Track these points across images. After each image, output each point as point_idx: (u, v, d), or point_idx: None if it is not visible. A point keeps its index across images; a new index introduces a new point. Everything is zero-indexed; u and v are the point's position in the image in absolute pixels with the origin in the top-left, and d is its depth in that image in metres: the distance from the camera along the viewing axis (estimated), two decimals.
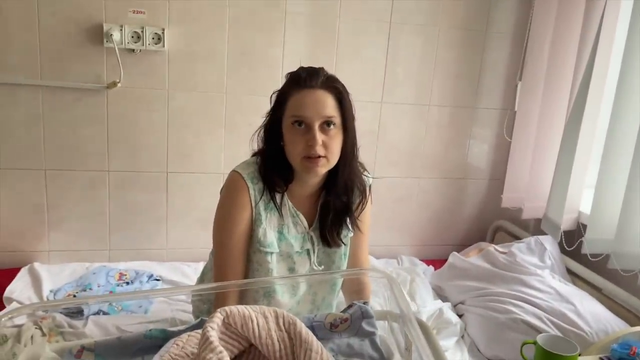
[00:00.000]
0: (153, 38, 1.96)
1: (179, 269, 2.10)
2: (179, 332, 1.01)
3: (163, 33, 1.96)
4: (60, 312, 1.73)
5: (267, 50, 2.10)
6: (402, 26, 2.20)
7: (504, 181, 2.44)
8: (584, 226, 1.91)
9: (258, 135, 1.38)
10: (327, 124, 1.26)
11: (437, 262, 2.39)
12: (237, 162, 2.15)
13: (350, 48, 2.18)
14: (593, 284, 1.85)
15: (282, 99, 1.31)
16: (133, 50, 1.97)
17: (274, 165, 1.34)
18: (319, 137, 1.25)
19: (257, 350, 0.98)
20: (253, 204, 1.33)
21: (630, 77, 1.63)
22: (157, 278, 1.99)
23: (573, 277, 1.94)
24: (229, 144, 2.16)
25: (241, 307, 0.96)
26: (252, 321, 0.95)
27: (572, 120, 1.84)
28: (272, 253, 1.35)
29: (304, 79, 1.28)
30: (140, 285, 1.92)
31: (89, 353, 1.00)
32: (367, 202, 1.43)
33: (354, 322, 1.05)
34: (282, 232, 1.38)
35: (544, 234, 2.07)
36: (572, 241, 1.95)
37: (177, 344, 0.96)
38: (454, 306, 1.92)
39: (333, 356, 0.96)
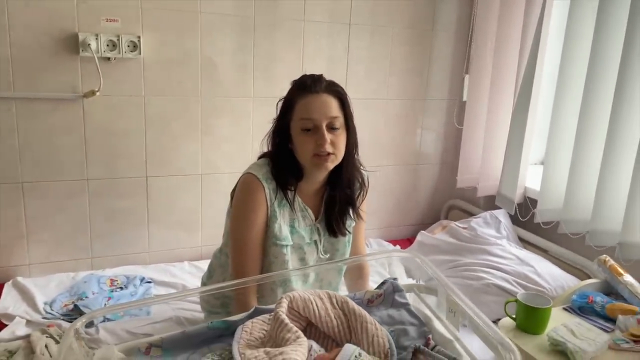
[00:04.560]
0: (129, 46, 1.99)
1: (166, 270, 2.16)
2: (240, 321, 1.12)
3: (139, 40, 1.99)
4: (63, 319, 1.76)
5: (238, 54, 2.19)
6: (361, 27, 2.38)
7: (453, 164, 2.72)
8: (531, 199, 2.21)
9: (268, 139, 1.50)
10: (332, 124, 1.41)
11: (400, 242, 2.62)
12: (214, 163, 2.27)
13: (315, 49, 2.32)
14: (542, 248, 2.15)
15: (289, 104, 1.45)
16: (109, 58, 1.98)
17: (285, 165, 1.47)
18: (327, 136, 1.40)
19: (313, 328, 1.12)
20: (269, 202, 1.45)
21: (570, 63, 1.91)
22: (149, 280, 2.04)
23: (524, 244, 2.23)
24: (206, 146, 2.23)
25: (301, 292, 1.10)
26: (311, 303, 1.09)
27: (519, 108, 2.11)
28: (287, 245, 1.48)
29: (309, 85, 1.42)
30: (135, 288, 1.96)
31: (157, 349, 1.09)
32: (366, 192, 1.60)
33: (387, 296, 1.22)
34: (293, 225, 1.51)
35: (494, 208, 2.36)
36: (520, 213, 2.24)
37: (245, 331, 1.08)
38: (425, 281, 2.13)
39: None
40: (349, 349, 0.98)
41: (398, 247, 2.52)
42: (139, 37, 1.99)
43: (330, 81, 1.46)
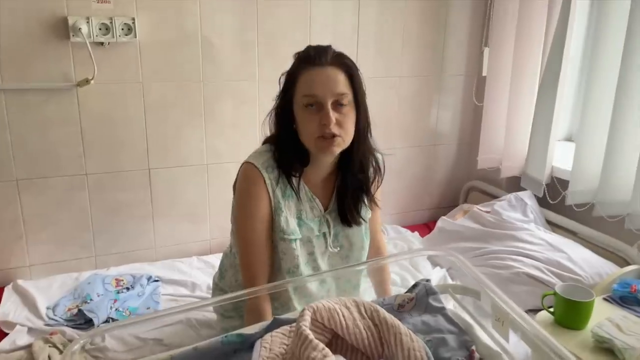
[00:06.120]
0: (123, 29, 1.84)
1: (173, 267, 2.04)
2: (257, 335, 1.01)
3: (133, 23, 1.84)
4: (67, 325, 1.65)
5: (241, 33, 2.04)
6: (370, 1, 2.21)
7: (472, 144, 2.57)
8: (560, 180, 2.06)
9: (269, 120, 1.36)
10: (339, 101, 1.25)
11: (418, 227, 2.50)
12: (220, 152, 2.14)
13: (323, 25, 2.16)
14: (573, 232, 2.00)
15: (291, 79, 1.29)
16: (102, 43, 1.84)
17: (289, 149, 1.33)
18: (333, 115, 1.24)
19: (339, 340, 0.99)
20: (271, 193, 1.32)
21: (605, 28, 1.73)
22: (156, 279, 1.93)
23: (553, 227, 2.09)
24: (210, 133, 2.10)
25: (325, 302, 0.97)
26: (337, 313, 0.96)
27: (546, 80, 1.95)
28: (295, 240, 1.35)
29: (312, 57, 1.26)
30: (142, 288, 1.84)
31: None
32: (382, 178, 1.46)
33: (419, 299, 1.09)
34: (300, 217, 1.38)
35: (517, 190, 2.21)
36: (548, 195, 2.09)
37: (264, 347, 0.96)
38: (447, 270, 1.99)
39: None
40: None
41: (417, 233, 2.38)
42: (133, 19, 1.84)
43: (338, 53, 1.30)
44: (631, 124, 1.68)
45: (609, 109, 1.72)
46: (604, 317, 1.40)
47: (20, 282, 1.88)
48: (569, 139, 2.34)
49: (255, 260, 1.35)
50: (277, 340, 0.98)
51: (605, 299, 1.57)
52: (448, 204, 2.66)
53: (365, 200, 1.44)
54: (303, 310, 0.95)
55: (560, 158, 2.09)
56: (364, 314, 0.98)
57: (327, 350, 0.88)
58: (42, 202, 1.92)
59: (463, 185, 2.63)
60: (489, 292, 0.92)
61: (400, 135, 2.46)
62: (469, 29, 2.42)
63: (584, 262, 1.77)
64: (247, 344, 1.00)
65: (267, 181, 1.31)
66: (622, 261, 1.80)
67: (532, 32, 2.03)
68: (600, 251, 1.86)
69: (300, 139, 1.31)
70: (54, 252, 1.99)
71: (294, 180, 1.35)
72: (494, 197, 2.34)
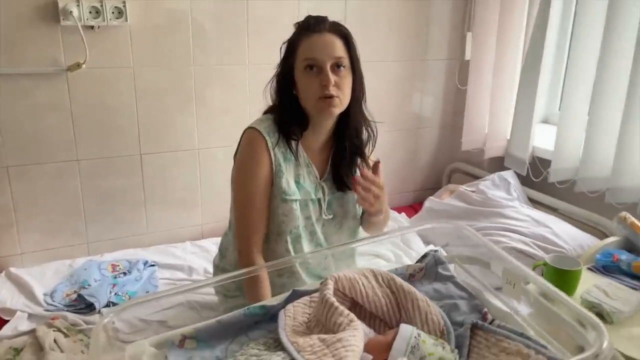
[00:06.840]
0: (113, 12, 1.82)
1: (167, 252, 2.05)
2: (278, 306, 1.04)
3: (124, 6, 1.83)
4: (67, 311, 1.65)
5: (231, 18, 2.05)
6: None
7: (454, 127, 2.64)
8: (540, 159, 2.15)
9: (270, 87, 1.43)
10: (337, 65, 1.34)
11: (405, 209, 2.56)
12: (211, 137, 2.15)
13: (311, 11, 2.17)
14: (554, 208, 2.10)
15: (292, 46, 1.38)
16: (92, 27, 1.82)
17: (289, 113, 1.40)
18: (332, 77, 1.32)
19: (357, 308, 1.04)
20: (272, 156, 1.38)
21: (586, 10, 1.81)
22: (153, 264, 1.94)
23: (535, 205, 2.19)
24: (201, 118, 2.10)
25: (345, 272, 1.02)
26: (357, 283, 1.01)
27: (529, 63, 2.03)
28: (296, 200, 1.41)
29: (312, 25, 1.36)
30: (139, 273, 1.85)
31: (191, 340, 1.00)
32: (376, 141, 1.53)
33: (428, 269, 1.15)
34: (298, 181, 1.44)
35: (499, 170, 2.30)
36: (530, 174, 2.19)
37: (288, 316, 1.00)
38: (442, 247, 2.06)
39: None
40: (407, 330, 0.91)
41: (404, 214, 2.45)
42: (124, 2, 1.83)
43: (335, 21, 1.39)
44: (611, 102, 1.77)
45: (589, 87, 1.81)
46: (589, 284, 1.49)
47: (12, 269, 1.86)
48: (545, 121, 2.44)
49: (252, 216, 1.40)
50: (299, 310, 1.02)
51: (589, 269, 1.66)
52: (431, 185, 2.73)
53: (360, 164, 1.50)
54: (326, 279, 0.99)
55: (539, 139, 2.18)
56: (382, 282, 1.03)
57: (352, 315, 0.93)
58: (33, 189, 1.90)
59: (446, 167, 2.71)
60: (503, 260, 0.99)
61: (386, 119, 2.49)
62: (452, 13, 2.48)
63: (567, 235, 1.87)
64: (269, 315, 1.04)
65: (269, 144, 1.38)
66: (601, 234, 1.90)
67: (514, 17, 2.11)
68: (581, 226, 1.96)
69: (300, 104, 1.39)
70: (46, 240, 1.97)
71: (293, 144, 1.42)
72: (476, 177, 2.43)
